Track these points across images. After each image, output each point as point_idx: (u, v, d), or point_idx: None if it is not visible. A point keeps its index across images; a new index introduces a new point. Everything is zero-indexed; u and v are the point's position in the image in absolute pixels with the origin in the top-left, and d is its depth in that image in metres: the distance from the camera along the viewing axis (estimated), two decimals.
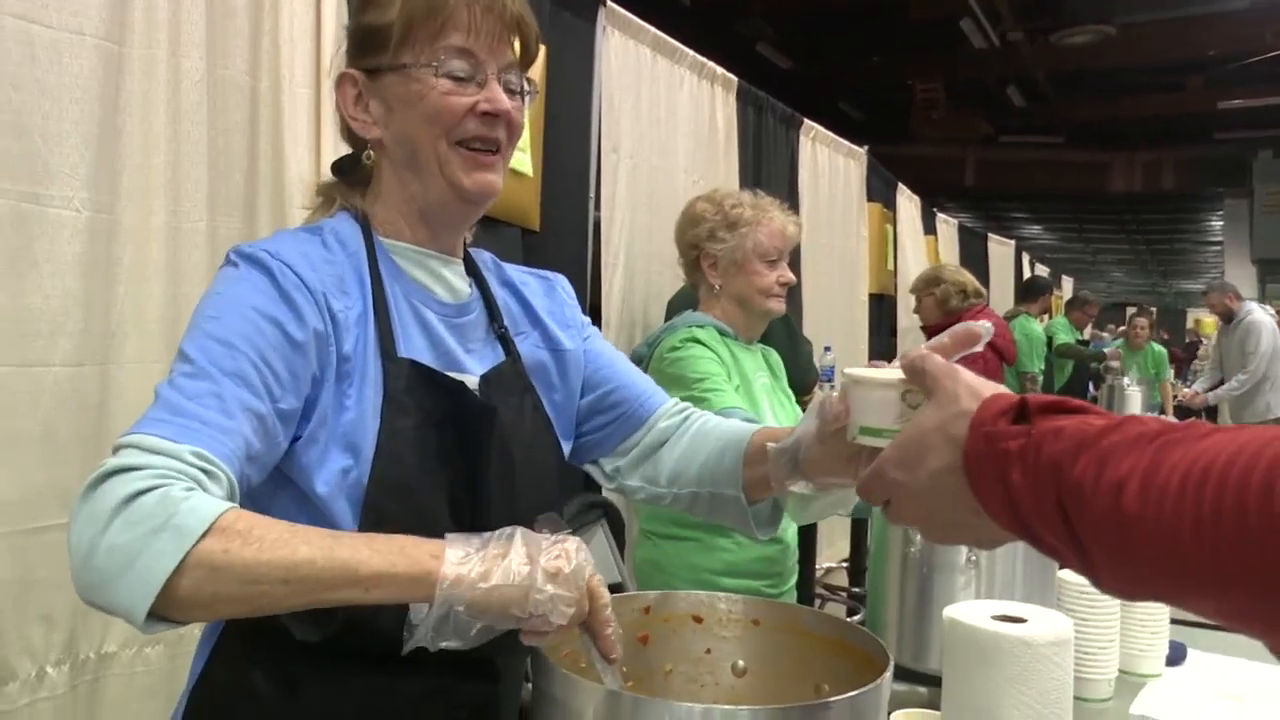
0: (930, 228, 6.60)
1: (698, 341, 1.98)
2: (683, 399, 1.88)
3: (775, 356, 2.20)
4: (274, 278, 0.92)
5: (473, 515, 0.96)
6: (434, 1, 0.99)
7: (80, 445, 1.66)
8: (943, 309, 3.73)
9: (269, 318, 0.90)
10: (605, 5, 2.91)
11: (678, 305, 3.03)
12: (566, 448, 1.17)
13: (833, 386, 4.04)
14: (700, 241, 2.11)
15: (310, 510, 0.94)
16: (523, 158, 2.55)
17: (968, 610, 1.08)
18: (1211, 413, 8.78)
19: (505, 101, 1.00)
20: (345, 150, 2.08)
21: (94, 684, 1.72)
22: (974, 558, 1.41)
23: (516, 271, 1.22)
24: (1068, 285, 11.71)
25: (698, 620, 0.98)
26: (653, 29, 3.18)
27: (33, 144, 1.59)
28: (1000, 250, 8.74)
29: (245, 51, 1.93)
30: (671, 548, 1.92)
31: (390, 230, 1.06)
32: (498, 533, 0.81)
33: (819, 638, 0.92)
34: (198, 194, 1.84)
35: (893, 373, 0.83)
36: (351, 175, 1.10)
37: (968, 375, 0.75)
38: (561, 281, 1.25)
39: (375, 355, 0.97)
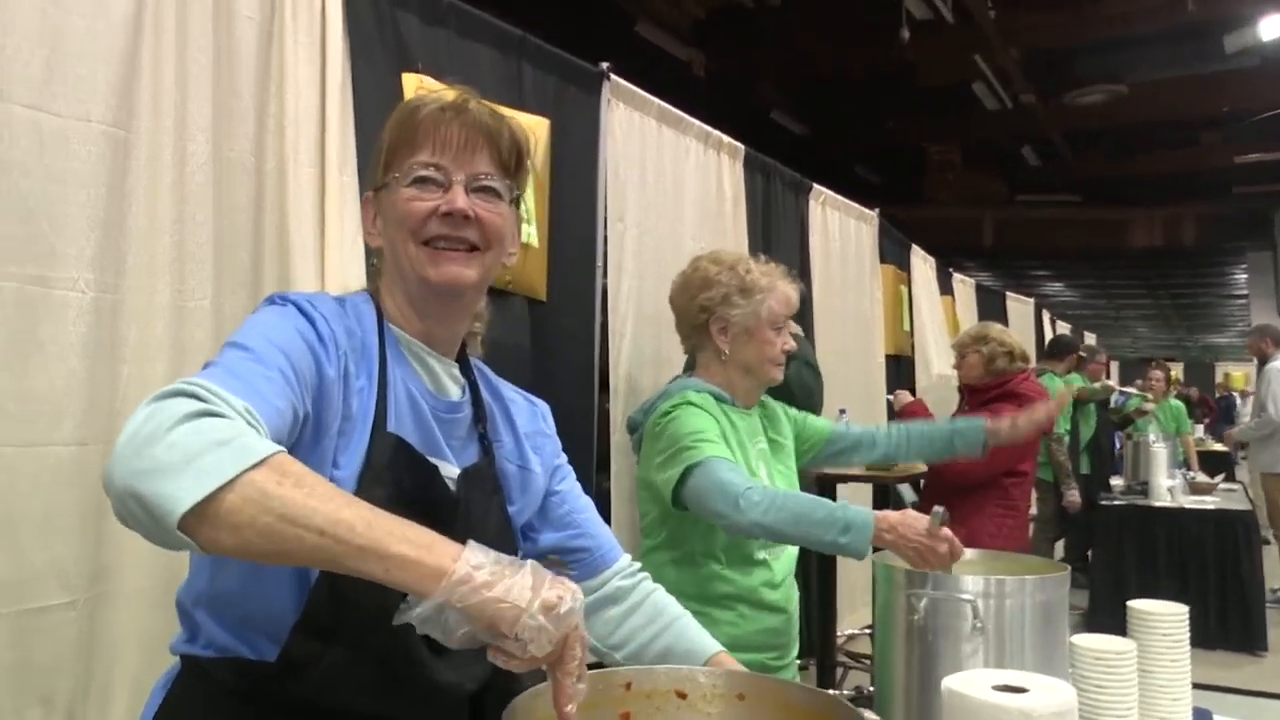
0: (947, 288, 6.59)
1: (691, 404, 1.95)
2: (672, 453, 1.88)
3: (777, 411, 2.16)
4: (314, 324, 1.02)
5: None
6: (407, 124, 1.11)
7: (82, 524, 1.67)
8: (988, 368, 3.60)
9: (311, 348, 1.00)
10: (610, 79, 2.96)
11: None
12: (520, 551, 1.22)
13: None
14: (713, 305, 2.04)
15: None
16: (528, 229, 2.58)
17: (967, 681, 1.04)
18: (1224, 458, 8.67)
19: (460, 202, 1.09)
20: (349, 224, 2.13)
21: None
22: (979, 624, 1.36)
23: (507, 388, 1.30)
24: (1091, 341, 11.61)
25: (681, 695, 0.95)
26: (658, 101, 3.23)
27: (39, 229, 1.62)
28: (1019, 308, 8.70)
29: (251, 133, 1.98)
30: None
31: (396, 319, 1.15)
32: (512, 558, 0.84)
33: (805, 712, 0.89)
34: (203, 272, 1.87)
35: None
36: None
37: None
38: (545, 411, 1.33)
39: (368, 426, 1.04)
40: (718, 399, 1.99)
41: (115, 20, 1.73)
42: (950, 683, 1.05)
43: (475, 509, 1.12)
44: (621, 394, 3.05)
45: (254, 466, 0.78)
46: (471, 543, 0.83)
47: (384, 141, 1.14)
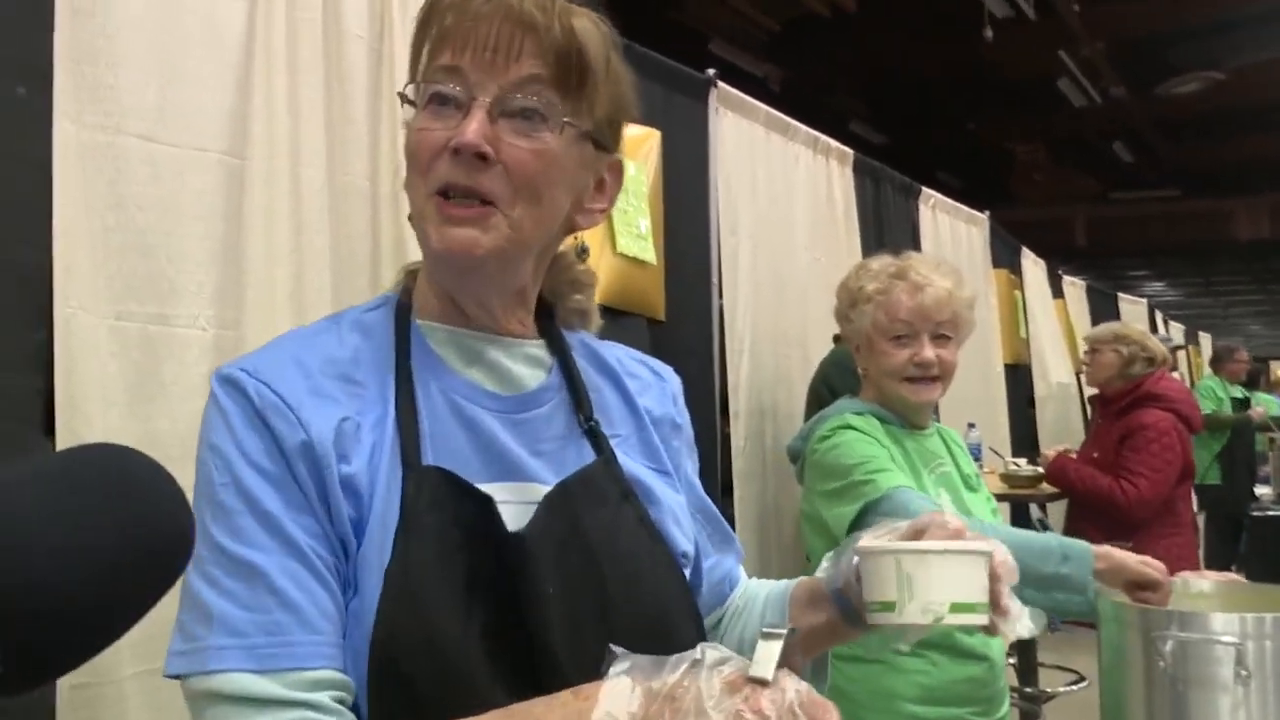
0: (1058, 291, 6.27)
1: (851, 427, 1.78)
2: (841, 487, 1.72)
3: (956, 438, 1.97)
4: (250, 400, 0.74)
5: (531, 675, 0.74)
6: (427, 16, 0.80)
7: None
8: (1124, 371, 3.31)
9: (263, 455, 0.73)
10: (717, 86, 2.83)
11: (829, 362, 2.97)
12: (687, 570, 0.89)
13: (980, 464, 3.75)
14: (840, 321, 1.96)
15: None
16: (646, 245, 2.45)
17: None
18: None
19: (470, 132, 0.75)
20: None
21: None
22: (1244, 672, 1.16)
23: (627, 357, 0.97)
24: (1205, 342, 11.04)
25: None
26: (765, 107, 3.08)
27: (158, 264, 1.55)
28: (1132, 309, 8.30)
29: (365, 157, 1.89)
30: (857, 672, 1.69)
31: (425, 309, 0.85)
32: (675, 660, 0.59)
33: None
34: (322, 304, 1.77)
35: (968, 543, 0.80)
36: None
37: None
38: (676, 389, 0.99)
39: (395, 467, 0.76)
40: (881, 419, 1.81)
41: (228, 45, 1.66)
42: None
43: (595, 530, 0.80)
44: (742, 416, 2.90)
45: None
46: (606, 688, 0.59)
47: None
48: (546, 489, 0.80)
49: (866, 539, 0.83)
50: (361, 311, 0.85)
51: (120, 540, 0.41)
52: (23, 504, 0.39)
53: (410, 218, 0.83)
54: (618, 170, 0.89)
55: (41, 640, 0.38)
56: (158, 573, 0.43)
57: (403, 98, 0.82)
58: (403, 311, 0.84)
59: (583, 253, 0.94)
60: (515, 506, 0.79)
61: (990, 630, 0.81)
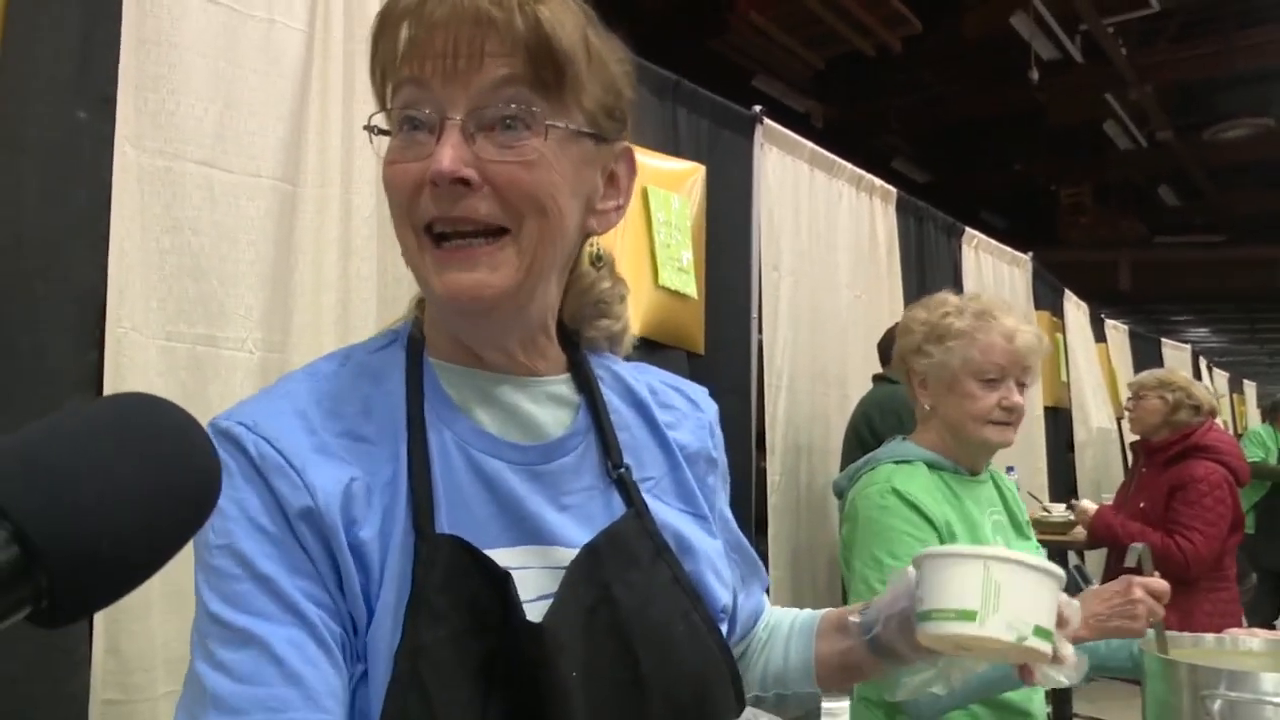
0: (1100, 335, 6.19)
1: (897, 494, 1.66)
2: (872, 566, 1.65)
3: (1009, 484, 1.90)
4: (250, 458, 0.67)
5: None
6: (382, 27, 0.71)
7: None
8: (1169, 419, 3.24)
9: (263, 513, 0.67)
10: (763, 122, 2.84)
11: (871, 401, 2.94)
12: (724, 624, 0.82)
13: None
14: (907, 355, 1.83)
15: None
16: (688, 278, 2.45)
17: None
18: None
19: (446, 160, 0.66)
20: None
21: None
22: None
23: (662, 384, 0.89)
24: (1249, 390, 10.82)
25: None
26: (809, 144, 3.09)
27: (210, 286, 1.58)
28: (1175, 355, 8.16)
29: None
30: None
31: (435, 346, 0.77)
32: None
33: None
34: (366, 329, 1.79)
35: (1055, 566, 0.74)
36: None
37: None
38: (713, 419, 0.91)
39: (408, 534, 0.68)
40: (933, 466, 1.74)
41: (284, 75, 1.69)
42: None
43: (630, 598, 0.73)
44: (778, 451, 2.89)
45: None
46: None
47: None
48: (572, 551, 0.73)
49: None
50: (369, 352, 0.77)
51: (159, 484, 0.41)
52: (67, 450, 0.40)
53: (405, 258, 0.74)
54: (630, 159, 0.79)
55: (82, 581, 0.39)
56: (192, 514, 0.44)
57: (373, 130, 0.72)
58: (415, 348, 0.76)
59: (598, 261, 0.83)
60: (540, 572, 0.72)
61: (1037, 677, 0.78)
